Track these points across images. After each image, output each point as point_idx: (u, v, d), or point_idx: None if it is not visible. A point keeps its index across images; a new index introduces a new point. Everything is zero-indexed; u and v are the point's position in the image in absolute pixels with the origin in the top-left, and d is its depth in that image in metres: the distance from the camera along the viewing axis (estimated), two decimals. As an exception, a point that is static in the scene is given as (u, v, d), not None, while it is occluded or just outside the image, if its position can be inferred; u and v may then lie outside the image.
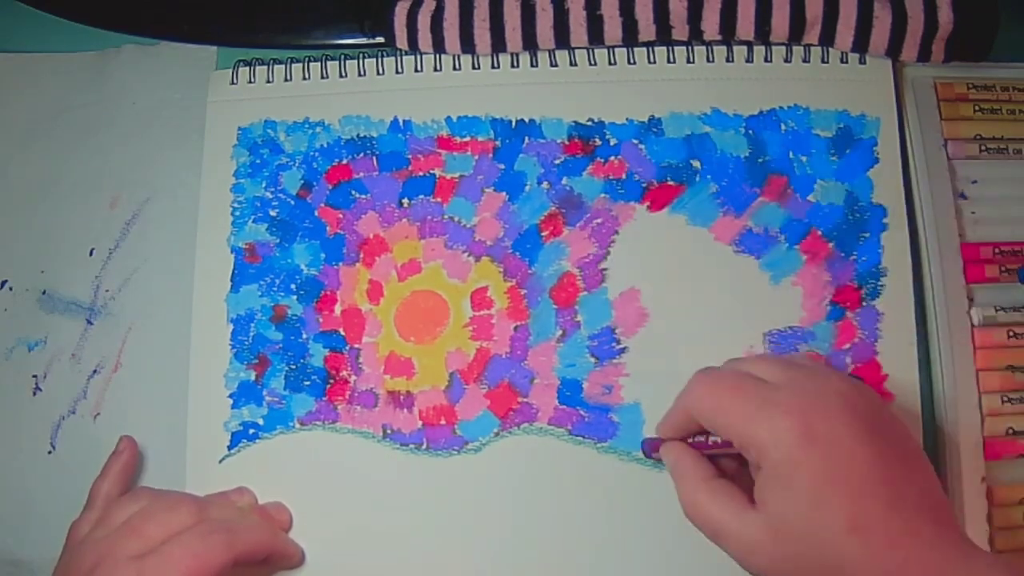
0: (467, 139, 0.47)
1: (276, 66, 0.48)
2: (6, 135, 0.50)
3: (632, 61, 0.47)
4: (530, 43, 0.46)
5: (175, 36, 0.50)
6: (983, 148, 0.45)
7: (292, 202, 0.47)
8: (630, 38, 0.46)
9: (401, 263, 0.46)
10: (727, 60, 0.46)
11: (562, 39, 0.46)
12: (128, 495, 0.42)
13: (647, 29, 0.46)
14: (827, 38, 0.45)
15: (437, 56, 0.48)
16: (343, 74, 0.48)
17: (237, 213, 0.47)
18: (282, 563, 0.42)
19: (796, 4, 0.44)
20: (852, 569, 0.32)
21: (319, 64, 0.48)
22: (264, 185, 0.47)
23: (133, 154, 0.49)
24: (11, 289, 0.48)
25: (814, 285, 0.44)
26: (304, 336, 0.45)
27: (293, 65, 0.48)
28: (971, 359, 0.43)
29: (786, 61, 0.46)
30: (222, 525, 0.39)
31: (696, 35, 0.46)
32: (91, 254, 0.48)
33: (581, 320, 0.44)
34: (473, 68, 0.47)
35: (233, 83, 0.49)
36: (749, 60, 0.46)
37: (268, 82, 0.48)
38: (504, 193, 0.46)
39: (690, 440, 0.38)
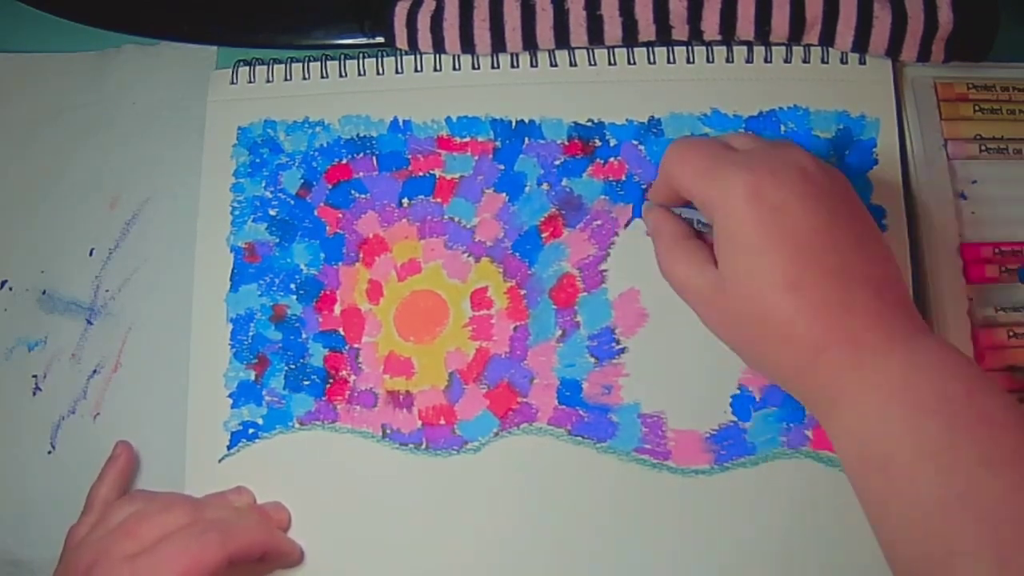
0: (467, 139, 0.47)
1: (276, 66, 0.49)
2: (6, 135, 0.50)
3: (632, 61, 0.47)
4: (530, 43, 0.46)
5: (175, 36, 0.50)
6: (983, 148, 0.45)
7: (292, 202, 0.47)
8: (630, 38, 0.46)
9: (401, 263, 0.46)
10: (727, 60, 0.46)
11: (562, 39, 0.46)
12: (125, 497, 0.42)
13: (647, 29, 0.46)
14: (827, 38, 0.45)
15: (437, 56, 0.48)
16: (343, 74, 0.48)
17: (237, 213, 0.47)
18: (280, 562, 0.42)
19: (796, 4, 0.44)
20: (785, 325, 0.34)
21: (319, 64, 0.48)
22: (264, 185, 0.47)
23: (133, 154, 0.49)
24: (11, 289, 0.48)
25: (814, 285, 0.44)
26: (304, 336, 0.45)
27: (293, 65, 0.48)
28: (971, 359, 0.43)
29: (786, 61, 0.46)
30: (216, 524, 0.40)
31: (696, 35, 0.46)
32: (91, 254, 0.48)
33: (581, 320, 0.44)
34: (473, 68, 0.47)
35: (233, 83, 0.49)
36: (749, 60, 0.46)
37: (268, 82, 0.48)
38: (504, 194, 0.46)
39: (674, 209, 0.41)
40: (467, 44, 0.47)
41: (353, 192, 0.47)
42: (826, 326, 0.33)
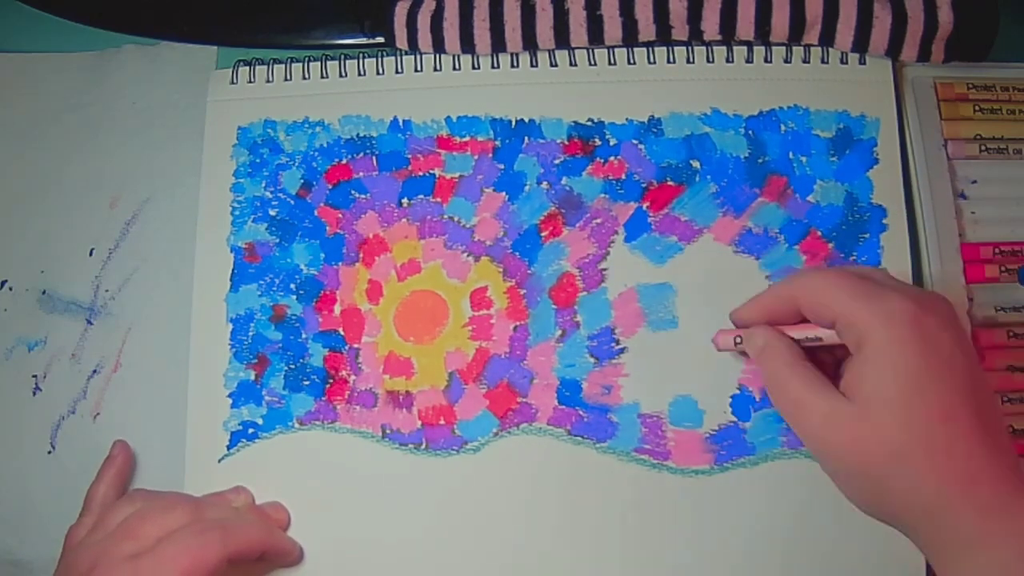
0: (467, 139, 0.47)
1: (276, 66, 0.49)
2: (6, 135, 0.50)
3: (632, 61, 0.47)
4: (530, 43, 0.46)
5: (175, 36, 0.50)
6: (983, 148, 0.45)
7: (292, 202, 0.47)
8: (630, 38, 0.46)
9: (401, 263, 0.46)
10: (727, 60, 0.46)
11: (562, 39, 0.46)
12: (124, 498, 0.42)
13: (647, 29, 0.46)
14: (827, 38, 0.45)
15: (437, 56, 0.48)
16: (343, 74, 0.48)
17: (237, 213, 0.47)
18: (279, 561, 0.42)
19: (796, 4, 0.44)
20: (938, 455, 0.32)
21: (319, 64, 0.48)
22: (264, 185, 0.47)
23: (133, 154, 0.49)
24: (11, 289, 0.48)
25: (814, 285, 0.44)
26: (303, 336, 0.45)
27: (293, 65, 0.48)
28: (971, 359, 0.43)
29: (786, 61, 0.46)
30: (216, 524, 0.40)
31: (696, 35, 0.46)
32: (91, 254, 0.48)
33: (580, 320, 0.44)
34: (473, 68, 0.47)
35: (233, 83, 0.49)
36: (749, 60, 0.46)
37: (268, 82, 0.48)
38: (504, 193, 0.46)
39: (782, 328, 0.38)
40: (467, 44, 0.47)
41: (353, 192, 0.47)
42: (980, 462, 0.32)
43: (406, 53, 0.48)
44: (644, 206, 0.45)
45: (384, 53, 0.48)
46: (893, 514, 0.34)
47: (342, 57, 0.48)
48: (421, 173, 0.47)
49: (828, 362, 0.38)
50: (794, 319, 0.38)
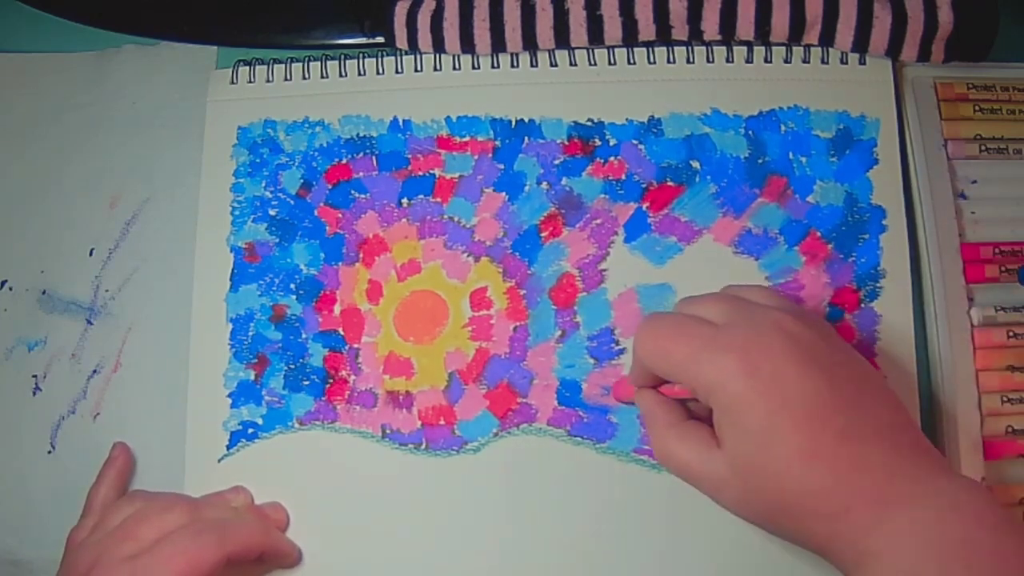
0: (467, 139, 0.47)
1: (276, 66, 0.49)
2: (6, 135, 0.50)
3: (632, 61, 0.47)
4: (530, 43, 0.46)
5: (175, 36, 0.50)
6: (983, 148, 0.45)
7: (292, 202, 0.47)
8: (630, 38, 0.46)
9: (400, 263, 0.46)
10: (727, 60, 0.46)
11: (562, 39, 0.46)
12: (124, 498, 0.42)
13: (647, 29, 0.46)
14: (827, 38, 0.45)
15: (437, 56, 0.48)
16: (343, 74, 0.48)
17: (237, 213, 0.47)
18: (278, 562, 0.42)
19: (796, 4, 0.44)
20: (808, 496, 0.32)
21: (319, 64, 0.48)
22: (264, 184, 0.47)
23: (133, 154, 0.49)
24: (11, 289, 0.48)
25: (813, 286, 0.44)
26: (303, 336, 0.45)
27: (293, 65, 0.48)
28: (971, 359, 0.43)
29: (786, 62, 0.46)
30: (214, 524, 0.40)
31: (696, 35, 0.46)
32: (91, 254, 0.48)
33: (580, 321, 0.44)
34: (473, 68, 0.47)
35: (233, 83, 0.49)
36: (749, 60, 0.46)
37: (268, 82, 0.48)
38: (504, 193, 0.46)
39: (661, 388, 0.39)
40: (467, 44, 0.47)
41: (353, 192, 0.47)
42: (848, 490, 0.32)
43: (406, 53, 0.48)
44: (644, 206, 0.45)
45: (384, 53, 0.48)
46: (805, 547, 0.34)
47: (342, 57, 0.48)
48: (421, 173, 0.47)
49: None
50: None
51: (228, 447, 0.44)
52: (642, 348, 0.37)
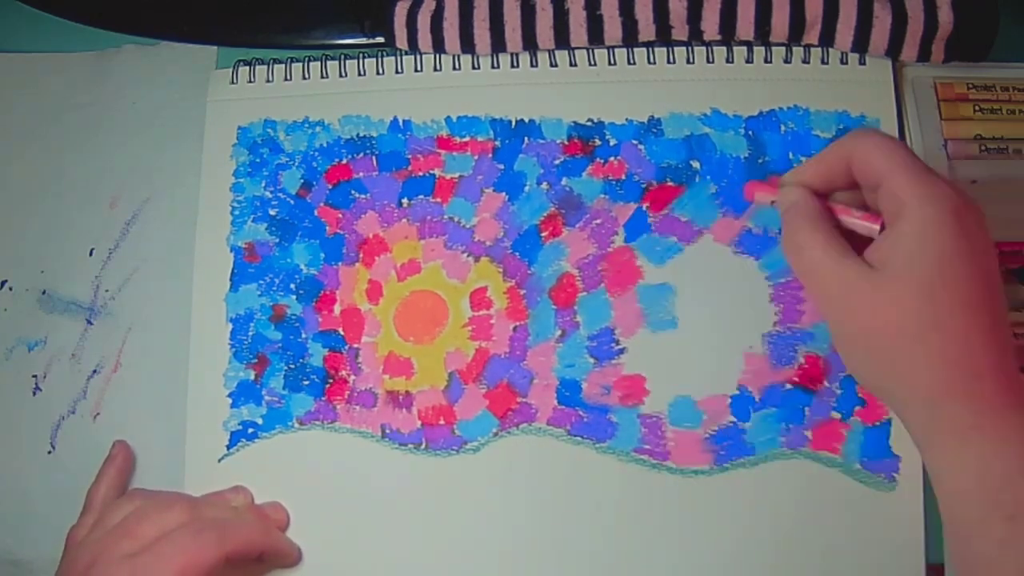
0: (467, 139, 0.47)
1: (276, 66, 0.49)
2: (6, 135, 0.50)
3: (632, 61, 0.47)
4: (530, 43, 0.46)
5: (175, 36, 0.50)
6: (983, 148, 0.45)
7: (292, 202, 0.47)
8: (630, 38, 0.46)
9: (400, 263, 0.46)
10: (727, 60, 0.46)
11: (562, 39, 0.46)
12: (123, 497, 0.42)
13: (647, 29, 0.46)
14: (827, 38, 0.45)
15: (437, 56, 0.48)
16: (343, 74, 0.48)
17: (236, 213, 0.47)
18: (278, 561, 0.42)
19: (796, 4, 0.44)
20: (957, 340, 0.33)
21: (319, 64, 0.48)
22: (264, 184, 0.47)
23: (133, 154, 0.49)
24: (11, 289, 0.48)
25: (813, 286, 0.44)
26: (303, 336, 0.45)
27: (293, 65, 0.48)
28: (971, 360, 0.43)
29: (786, 62, 0.46)
30: (214, 523, 0.40)
31: (696, 35, 0.46)
32: (91, 254, 0.48)
33: (580, 320, 0.44)
34: (473, 68, 0.47)
35: (233, 83, 0.49)
36: (749, 60, 0.46)
37: (268, 82, 0.48)
38: (504, 193, 0.46)
39: (834, 206, 0.37)
40: (467, 44, 0.47)
41: (353, 192, 0.47)
42: (989, 359, 0.32)
43: (406, 53, 0.48)
44: (644, 206, 0.45)
45: (384, 53, 0.48)
46: (891, 392, 0.35)
47: (342, 57, 0.48)
48: (421, 173, 0.47)
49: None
50: (844, 179, 0.37)
51: (228, 447, 0.44)
52: (870, 138, 0.36)
